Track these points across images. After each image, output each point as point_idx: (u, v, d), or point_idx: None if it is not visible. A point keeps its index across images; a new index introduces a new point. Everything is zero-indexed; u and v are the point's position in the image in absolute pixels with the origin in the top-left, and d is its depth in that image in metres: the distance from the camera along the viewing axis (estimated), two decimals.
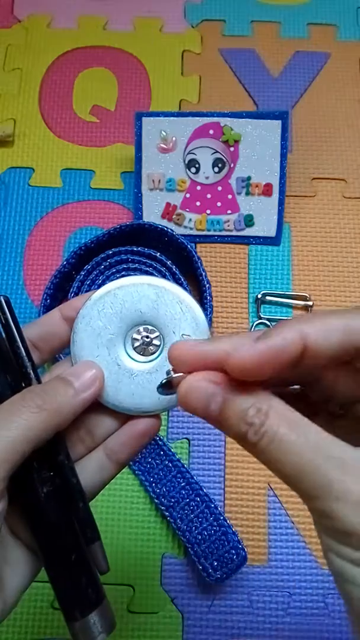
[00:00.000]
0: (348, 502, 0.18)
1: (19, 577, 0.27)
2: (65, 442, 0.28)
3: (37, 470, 0.26)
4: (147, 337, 0.29)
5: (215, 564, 0.45)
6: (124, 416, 0.29)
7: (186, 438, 0.50)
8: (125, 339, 0.29)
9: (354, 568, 0.18)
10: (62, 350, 0.30)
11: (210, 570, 0.45)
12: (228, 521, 0.46)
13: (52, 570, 0.26)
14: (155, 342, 0.29)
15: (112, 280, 0.49)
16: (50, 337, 0.29)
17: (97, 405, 0.28)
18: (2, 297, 0.28)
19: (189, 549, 0.45)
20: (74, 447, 0.28)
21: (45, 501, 0.26)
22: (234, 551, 0.45)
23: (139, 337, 0.29)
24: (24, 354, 0.28)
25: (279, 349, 0.20)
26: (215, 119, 0.54)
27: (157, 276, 0.50)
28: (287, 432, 0.19)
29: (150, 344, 0.29)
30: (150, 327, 0.29)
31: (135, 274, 0.50)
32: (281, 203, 0.55)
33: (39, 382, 0.28)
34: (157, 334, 0.29)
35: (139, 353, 0.29)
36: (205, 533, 0.46)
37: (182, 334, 0.29)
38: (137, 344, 0.29)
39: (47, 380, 0.27)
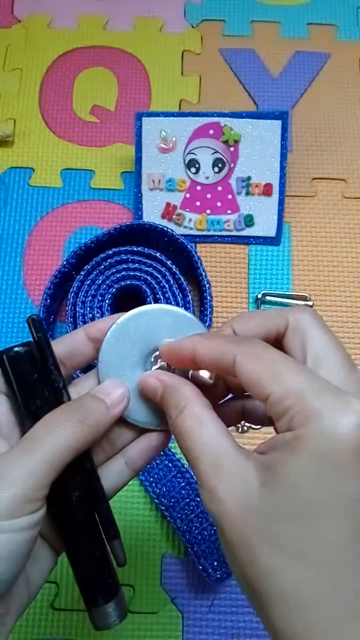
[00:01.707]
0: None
1: (41, 572, 0.29)
2: (90, 450, 0.30)
3: (70, 476, 0.28)
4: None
5: (215, 563, 0.45)
6: (139, 429, 0.31)
7: None
8: (146, 361, 0.31)
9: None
10: (83, 367, 0.32)
11: (210, 570, 0.45)
12: None
13: (78, 564, 0.29)
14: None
15: (112, 280, 0.50)
16: (75, 355, 0.31)
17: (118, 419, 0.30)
18: (34, 316, 0.30)
19: (189, 549, 0.45)
20: (96, 455, 0.30)
21: (76, 504, 0.29)
22: None
23: (158, 360, 0.31)
24: (56, 370, 0.29)
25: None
26: (215, 119, 0.54)
27: (157, 276, 0.50)
28: (192, 425, 0.26)
29: (168, 367, 0.31)
30: None
31: (136, 274, 0.50)
32: (281, 203, 0.55)
33: (69, 397, 0.30)
34: None
35: None
36: (205, 533, 0.46)
37: None
38: (156, 367, 0.31)
39: (81, 397, 0.29)
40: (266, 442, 0.24)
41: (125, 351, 0.31)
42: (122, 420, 0.31)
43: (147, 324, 0.32)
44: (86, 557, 0.29)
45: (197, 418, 0.26)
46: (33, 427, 0.27)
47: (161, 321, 0.32)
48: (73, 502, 0.29)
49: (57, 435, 0.26)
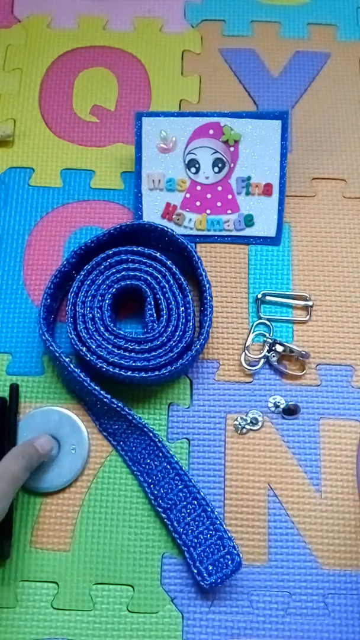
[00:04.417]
0: None
1: None
2: None
3: None
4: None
5: (210, 568, 0.45)
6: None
7: (186, 438, 0.50)
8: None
9: None
10: None
11: (205, 575, 0.44)
12: (225, 524, 0.46)
13: None
14: (55, 447, 0.48)
15: (112, 280, 0.51)
16: None
17: None
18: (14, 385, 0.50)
19: (185, 552, 0.45)
20: None
21: None
22: (229, 556, 0.45)
23: None
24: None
25: None
26: (215, 119, 0.55)
27: (157, 276, 0.50)
28: None
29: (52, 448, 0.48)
30: (53, 437, 0.48)
31: (136, 274, 0.51)
32: (281, 203, 0.55)
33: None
34: (56, 442, 0.48)
35: None
36: (201, 537, 0.46)
37: (72, 445, 0.48)
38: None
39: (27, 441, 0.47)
40: None
41: (30, 429, 0.49)
42: None
43: (44, 416, 0.49)
44: None
45: None
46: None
47: (52, 417, 0.49)
48: None
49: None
